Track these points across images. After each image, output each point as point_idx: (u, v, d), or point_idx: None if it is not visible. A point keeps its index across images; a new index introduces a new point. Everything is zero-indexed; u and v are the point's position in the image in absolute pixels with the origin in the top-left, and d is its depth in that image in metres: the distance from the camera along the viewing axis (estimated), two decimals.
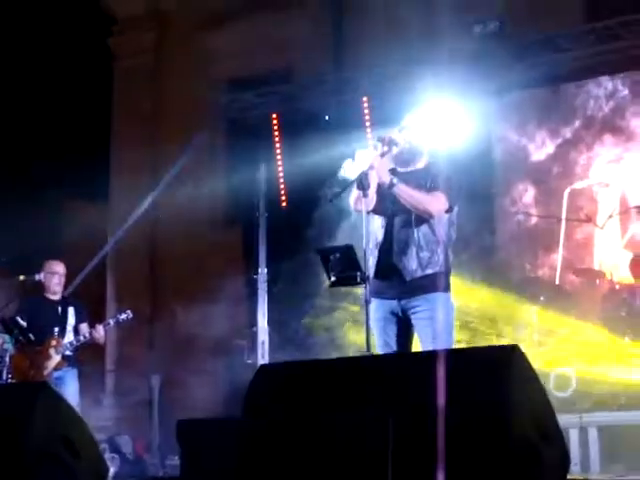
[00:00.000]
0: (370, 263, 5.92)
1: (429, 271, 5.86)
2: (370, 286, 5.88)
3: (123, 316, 9.00)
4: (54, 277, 9.07)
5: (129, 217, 12.40)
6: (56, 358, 8.72)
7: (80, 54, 15.16)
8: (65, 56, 15.06)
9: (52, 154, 15.41)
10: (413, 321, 5.89)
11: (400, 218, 5.94)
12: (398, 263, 5.89)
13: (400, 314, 5.92)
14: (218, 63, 14.29)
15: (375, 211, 5.99)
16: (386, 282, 5.91)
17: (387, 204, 5.97)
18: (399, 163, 6.07)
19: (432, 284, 5.86)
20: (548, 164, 10.93)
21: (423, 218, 5.88)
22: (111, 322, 8.98)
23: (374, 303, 5.93)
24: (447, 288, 5.97)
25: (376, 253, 5.95)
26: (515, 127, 11.17)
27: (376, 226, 6.01)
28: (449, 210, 5.97)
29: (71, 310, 9.01)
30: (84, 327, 8.97)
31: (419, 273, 5.85)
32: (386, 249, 5.94)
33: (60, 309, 9.01)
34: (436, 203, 5.88)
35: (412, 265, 5.86)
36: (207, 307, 11.92)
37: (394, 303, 5.92)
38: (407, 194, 5.84)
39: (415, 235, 5.88)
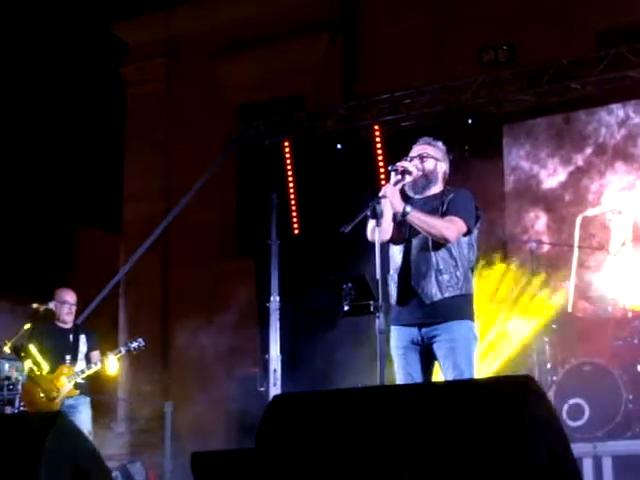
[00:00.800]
0: (391, 288, 5.91)
1: (448, 294, 5.80)
2: (391, 312, 5.87)
3: (134, 344, 9.00)
4: (64, 306, 9.07)
5: (141, 245, 12.40)
6: (68, 386, 8.70)
7: (93, 82, 15.25)
8: (78, 84, 15.16)
9: (64, 181, 15.48)
10: (434, 350, 5.85)
11: (417, 242, 5.91)
12: (417, 287, 5.84)
13: (421, 342, 5.88)
14: (230, 90, 14.36)
15: (393, 240, 5.98)
16: (406, 307, 5.87)
17: (404, 231, 5.96)
18: (414, 190, 6.06)
19: (453, 309, 5.80)
20: (560, 191, 10.93)
21: (441, 245, 5.85)
22: (122, 350, 8.96)
23: (395, 331, 5.89)
24: (469, 315, 5.89)
25: (396, 278, 5.94)
26: (526, 154, 11.18)
27: (395, 251, 5.99)
28: (467, 233, 5.94)
29: (82, 338, 9.01)
30: (96, 355, 8.94)
31: (439, 296, 5.79)
32: (405, 274, 5.90)
33: (72, 337, 9.00)
34: (452, 228, 5.84)
35: (431, 289, 5.81)
36: (219, 335, 11.93)
37: (415, 331, 5.87)
38: (421, 221, 5.82)
39: (433, 259, 5.84)
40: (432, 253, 5.85)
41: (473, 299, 5.97)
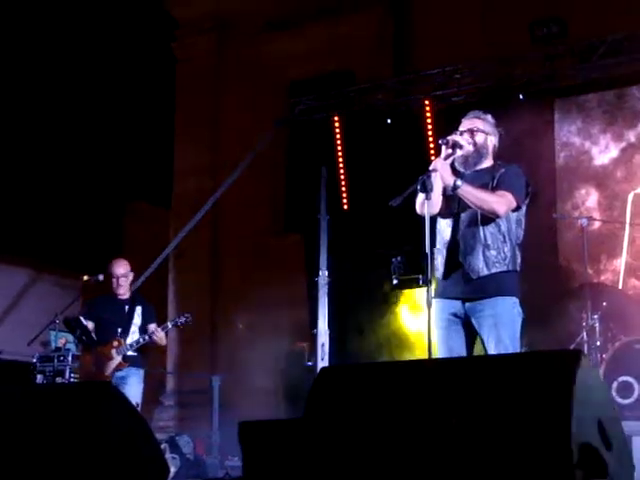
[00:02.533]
0: (438, 262, 5.89)
1: (495, 270, 5.77)
2: (437, 286, 5.85)
3: (182, 319, 8.99)
4: (113, 280, 9.07)
5: (191, 220, 12.46)
6: (117, 358, 8.74)
7: (144, 58, 15.30)
8: (130, 60, 15.21)
9: (115, 156, 15.57)
10: (477, 325, 5.82)
11: (466, 216, 5.88)
12: (464, 262, 5.81)
13: (464, 317, 5.85)
14: (280, 65, 14.32)
15: (441, 214, 5.95)
16: (452, 281, 5.85)
17: (453, 205, 5.94)
18: (465, 165, 6.03)
19: (499, 285, 5.77)
20: (612, 168, 10.84)
21: (490, 217, 5.82)
22: (169, 325, 8.95)
23: (438, 304, 5.86)
24: (514, 291, 5.85)
25: (444, 252, 5.91)
26: (578, 131, 11.09)
27: (443, 225, 5.97)
28: (517, 209, 5.90)
29: (138, 310, 8.99)
30: (152, 327, 8.90)
31: (485, 272, 5.76)
32: (453, 248, 5.88)
33: (127, 308, 9.00)
34: (503, 202, 5.81)
35: (478, 264, 5.78)
36: (268, 310, 11.96)
37: (458, 305, 5.85)
38: (472, 195, 5.79)
39: (481, 233, 5.81)
40: (480, 228, 5.82)
41: (519, 275, 5.94)
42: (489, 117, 6.24)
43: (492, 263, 5.78)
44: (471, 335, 5.88)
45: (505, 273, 5.82)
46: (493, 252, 5.79)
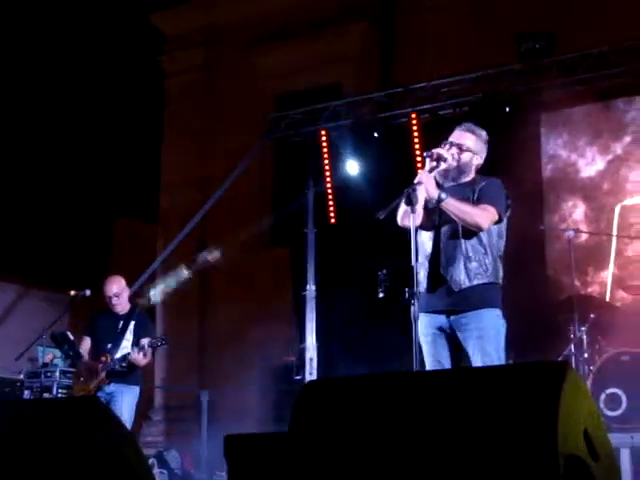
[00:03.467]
0: (421, 276, 5.88)
1: (477, 282, 5.77)
2: (420, 300, 5.84)
3: (157, 342, 8.80)
4: (106, 299, 9.01)
5: (179, 234, 12.45)
6: (101, 375, 8.69)
7: (132, 73, 15.31)
8: (118, 75, 15.22)
9: (102, 171, 15.56)
10: (462, 339, 5.83)
11: (447, 229, 5.88)
12: (446, 274, 5.82)
13: (449, 330, 5.86)
14: (267, 79, 14.37)
15: (422, 227, 5.94)
16: (435, 294, 5.85)
17: (434, 218, 5.94)
18: (444, 178, 6.03)
19: (481, 297, 5.78)
20: (598, 180, 10.87)
21: (471, 230, 5.82)
22: (145, 345, 8.75)
23: (424, 318, 5.83)
24: (497, 303, 5.86)
25: (427, 265, 5.91)
26: (565, 144, 11.12)
27: (425, 238, 5.96)
28: (498, 221, 5.91)
29: (131, 325, 8.93)
30: (143, 343, 8.80)
31: (467, 284, 5.77)
32: (434, 261, 5.88)
33: (122, 324, 8.92)
34: (485, 216, 5.82)
35: (460, 276, 5.79)
36: (255, 324, 11.95)
37: (443, 318, 5.86)
38: (455, 208, 5.79)
39: (462, 246, 5.82)
40: (462, 241, 5.84)
41: (500, 287, 5.95)
42: (483, 133, 6.22)
43: (474, 275, 5.78)
44: (457, 348, 5.88)
45: (487, 285, 5.83)
46: (474, 264, 5.80)
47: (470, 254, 5.81)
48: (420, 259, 5.89)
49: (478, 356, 5.71)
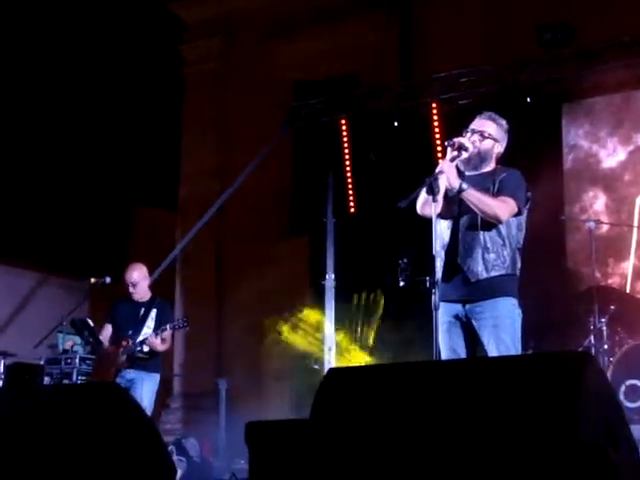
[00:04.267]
0: (438, 265, 5.89)
1: (494, 273, 5.78)
2: (438, 290, 5.85)
3: (178, 323, 8.84)
4: (126, 286, 9.04)
5: (197, 223, 12.47)
6: (121, 359, 8.73)
7: (152, 61, 15.32)
8: (138, 63, 15.23)
9: (122, 160, 15.58)
10: (477, 327, 5.83)
11: (466, 220, 5.89)
12: (463, 265, 5.83)
13: (464, 319, 5.87)
14: (286, 69, 14.34)
15: (441, 215, 5.93)
16: (451, 284, 5.85)
17: (454, 208, 5.93)
18: (466, 166, 6.03)
19: (497, 287, 5.79)
20: (619, 171, 10.84)
21: (490, 224, 5.82)
22: (168, 328, 8.78)
23: (439, 308, 5.88)
24: (513, 293, 5.87)
25: (443, 255, 5.91)
26: (586, 134, 11.08)
27: (443, 228, 5.96)
28: (517, 214, 5.91)
29: (153, 313, 8.95)
30: (165, 331, 8.80)
31: (484, 275, 5.78)
32: (452, 251, 5.89)
33: (143, 311, 8.96)
34: (505, 208, 5.81)
35: (477, 267, 5.79)
36: (274, 312, 11.96)
37: (459, 307, 5.87)
38: (476, 199, 5.79)
39: (481, 237, 5.82)
40: (480, 232, 5.84)
41: (518, 280, 5.94)
42: (503, 122, 6.22)
43: (491, 266, 5.79)
44: (472, 337, 5.89)
45: (504, 276, 5.84)
46: (492, 255, 5.80)
47: (488, 245, 5.81)
48: (437, 248, 5.89)
49: (493, 345, 5.72)
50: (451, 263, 5.88)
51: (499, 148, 6.14)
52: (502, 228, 5.85)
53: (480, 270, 5.79)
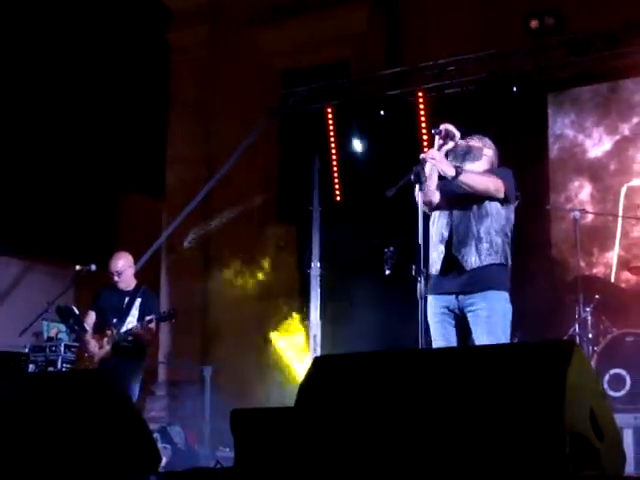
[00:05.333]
0: (434, 258, 5.99)
1: (488, 262, 5.88)
2: (431, 282, 5.93)
3: (164, 314, 8.82)
4: (111, 275, 9.02)
5: (183, 210, 12.44)
6: (106, 348, 8.71)
7: (138, 48, 15.25)
8: (124, 50, 15.16)
9: (107, 146, 15.53)
10: (469, 319, 5.88)
11: (459, 213, 5.98)
12: (458, 255, 5.92)
13: (457, 311, 5.93)
14: (273, 57, 14.30)
15: (439, 207, 6.04)
16: (447, 276, 5.93)
17: (448, 199, 6.00)
18: (456, 160, 6.07)
19: (491, 278, 5.88)
20: (605, 161, 10.85)
21: (482, 212, 5.87)
22: (154, 317, 8.75)
23: (432, 300, 5.97)
24: (505, 285, 5.96)
25: (441, 248, 5.97)
26: (572, 123, 11.09)
27: (437, 220, 6.05)
28: (506, 200, 5.95)
29: (137, 302, 8.95)
30: (151, 323, 8.78)
31: (478, 263, 5.87)
32: (447, 243, 5.98)
33: (127, 300, 8.95)
34: (493, 181, 5.94)
35: (471, 256, 5.89)
36: (260, 300, 11.96)
37: (452, 299, 5.94)
38: (469, 179, 5.87)
39: (474, 228, 5.91)
40: (473, 223, 5.92)
41: (509, 270, 6.02)
42: (488, 141, 6.31)
43: (485, 255, 5.87)
44: (464, 329, 5.94)
45: (497, 265, 5.93)
46: (486, 245, 5.90)
47: (481, 235, 5.90)
48: (435, 241, 5.96)
49: (484, 336, 5.78)
50: (446, 255, 5.97)
51: (489, 153, 6.20)
52: (494, 220, 5.95)
53: (474, 259, 5.88)
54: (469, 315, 5.89)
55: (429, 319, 5.93)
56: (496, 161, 6.28)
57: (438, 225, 6.05)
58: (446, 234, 6.00)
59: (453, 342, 5.92)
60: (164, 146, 15.21)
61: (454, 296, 5.93)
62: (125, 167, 15.82)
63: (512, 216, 6.09)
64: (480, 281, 5.86)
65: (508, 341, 5.93)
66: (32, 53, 14.53)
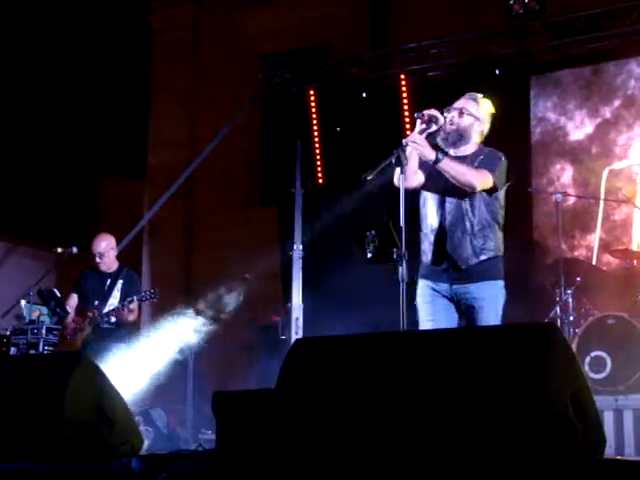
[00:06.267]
0: (425, 248, 6.02)
1: (483, 257, 5.91)
2: (423, 269, 5.98)
3: (146, 295, 8.83)
4: (93, 256, 9.02)
5: (165, 192, 12.41)
6: (87, 330, 8.72)
7: (120, 29, 15.20)
8: (106, 31, 15.11)
9: (88, 128, 15.48)
10: (462, 307, 5.90)
11: (452, 206, 5.96)
12: (452, 252, 5.93)
13: (449, 297, 5.94)
14: (256, 39, 14.27)
15: (426, 187, 6.02)
16: (440, 268, 5.94)
17: (439, 184, 5.98)
18: (447, 144, 6.05)
19: (486, 271, 5.91)
20: (587, 144, 10.86)
21: (474, 203, 5.86)
22: (135, 299, 8.78)
23: (423, 284, 6.01)
24: (501, 275, 5.99)
25: (432, 239, 5.96)
26: (554, 106, 11.10)
27: (430, 211, 6.02)
28: (494, 189, 5.94)
29: (119, 284, 8.96)
30: (132, 303, 8.79)
31: (474, 260, 5.89)
32: (440, 237, 5.97)
33: (109, 282, 8.96)
34: (479, 177, 5.87)
35: (466, 253, 5.90)
36: (241, 283, 11.93)
37: (446, 286, 5.95)
38: (451, 168, 5.83)
39: (467, 223, 5.90)
40: (467, 217, 5.92)
41: (502, 259, 6.05)
42: (487, 103, 6.28)
43: (480, 251, 5.90)
44: (456, 313, 5.96)
45: (493, 259, 5.97)
46: (480, 241, 5.90)
47: (475, 230, 5.90)
48: (425, 230, 5.99)
49: (477, 323, 5.78)
50: (439, 249, 5.97)
51: (480, 127, 6.18)
52: (486, 210, 5.94)
53: (469, 256, 5.91)
54: (462, 303, 5.91)
55: (418, 301, 5.98)
56: (487, 126, 6.22)
57: (427, 215, 6.03)
58: (436, 224, 5.98)
59: (442, 324, 5.91)
60: (146, 128, 15.17)
61: (448, 284, 5.94)
62: (106, 149, 15.79)
63: (502, 201, 6.08)
64: (475, 275, 5.89)
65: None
66: (11, 35, 14.45)
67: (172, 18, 15.30)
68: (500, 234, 6.03)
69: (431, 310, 5.95)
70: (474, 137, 6.14)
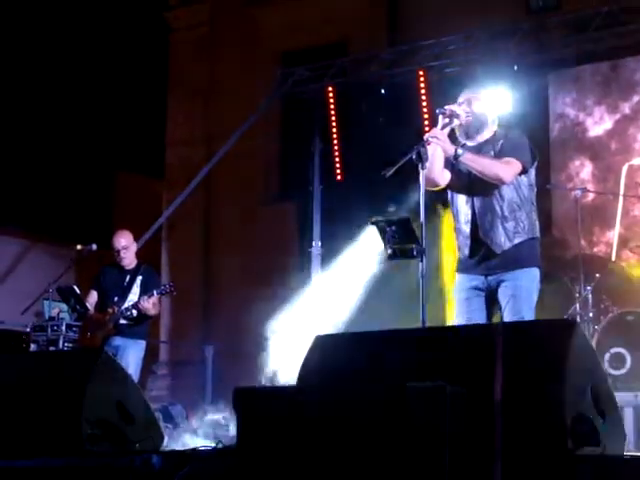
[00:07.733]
0: (460, 242, 6.00)
1: (517, 240, 5.85)
2: (460, 263, 5.97)
3: (165, 288, 8.86)
4: (114, 252, 9.06)
5: (184, 190, 12.43)
6: (108, 325, 8.76)
7: (138, 27, 15.23)
8: (124, 29, 15.15)
9: (107, 126, 15.53)
10: (497, 296, 5.87)
11: (480, 192, 5.92)
12: (485, 238, 5.88)
13: (485, 289, 5.91)
14: (273, 36, 14.27)
15: (452, 188, 6.01)
16: (477, 258, 5.91)
17: (463, 178, 5.96)
18: (467, 136, 6.03)
19: (522, 256, 5.85)
20: (606, 140, 10.82)
21: (503, 188, 5.84)
22: (155, 293, 8.81)
23: (461, 278, 5.98)
24: (537, 261, 5.94)
25: (465, 231, 5.96)
26: (573, 102, 11.07)
27: (460, 203, 6.01)
28: (524, 172, 5.91)
29: (139, 280, 8.99)
30: (150, 298, 8.81)
31: (508, 244, 5.84)
32: (473, 226, 5.94)
33: (129, 278, 9.00)
34: (507, 168, 5.83)
35: (500, 238, 5.85)
36: (261, 280, 11.96)
37: (481, 278, 5.91)
38: (474, 162, 5.82)
39: (497, 207, 5.87)
40: (495, 201, 5.89)
41: (539, 241, 6.02)
42: (486, 92, 6.26)
43: (513, 235, 5.85)
44: (492, 306, 5.93)
45: (527, 242, 5.90)
46: (512, 223, 5.85)
47: (506, 213, 5.86)
48: (458, 224, 6.01)
49: (510, 314, 5.76)
50: (475, 238, 5.94)
51: (492, 113, 6.14)
52: (515, 193, 5.90)
53: (503, 240, 5.85)
54: (497, 292, 5.87)
55: (455, 295, 5.96)
56: (497, 113, 6.21)
57: (459, 208, 6.02)
58: (469, 215, 5.95)
59: (475, 320, 5.89)
60: (164, 127, 15.19)
61: (484, 276, 5.92)
62: (125, 147, 15.83)
63: (533, 181, 6.03)
64: (511, 261, 5.84)
65: (532, 317, 5.89)
66: (31, 34, 14.51)
67: (189, 16, 15.33)
68: (534, 215, 5.98)
69: (466, 307, 5.91)
70: (490, 121, 6.12)
